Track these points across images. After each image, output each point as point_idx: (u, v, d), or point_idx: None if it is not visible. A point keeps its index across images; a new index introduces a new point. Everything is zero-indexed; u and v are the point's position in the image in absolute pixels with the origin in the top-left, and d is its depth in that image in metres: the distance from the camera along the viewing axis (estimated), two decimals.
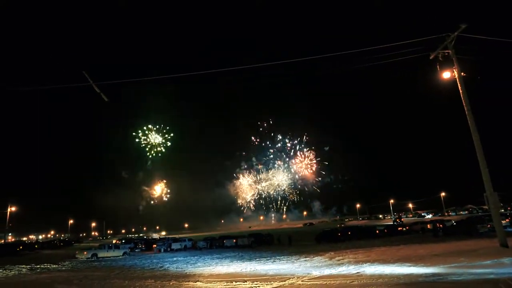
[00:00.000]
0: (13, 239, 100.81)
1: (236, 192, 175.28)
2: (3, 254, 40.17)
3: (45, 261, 30.10)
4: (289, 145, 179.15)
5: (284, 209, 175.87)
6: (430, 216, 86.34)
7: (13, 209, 61.19)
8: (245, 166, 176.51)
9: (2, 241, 67.13)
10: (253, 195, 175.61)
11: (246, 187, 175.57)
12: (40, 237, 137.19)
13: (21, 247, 48.94)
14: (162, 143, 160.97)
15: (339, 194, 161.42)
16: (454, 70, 17.93)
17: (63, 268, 24.20)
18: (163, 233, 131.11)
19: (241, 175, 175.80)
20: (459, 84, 17.91)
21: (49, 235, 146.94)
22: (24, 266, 25.78)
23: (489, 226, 29.66)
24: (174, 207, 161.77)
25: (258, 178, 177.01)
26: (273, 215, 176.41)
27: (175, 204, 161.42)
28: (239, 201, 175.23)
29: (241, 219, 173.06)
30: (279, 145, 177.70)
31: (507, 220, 36.85)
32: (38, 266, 25.78)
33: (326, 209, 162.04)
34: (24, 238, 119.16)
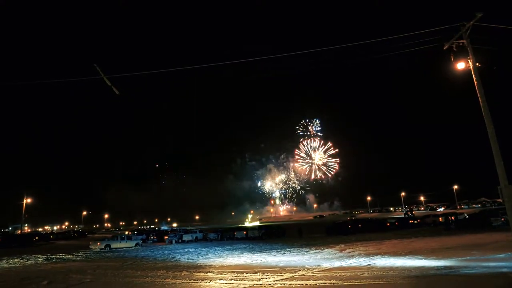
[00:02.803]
0: (29, 230, 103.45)
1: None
2: (20, 245, 41.38)
3: (60, 251, 30.86)
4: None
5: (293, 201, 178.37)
6: (442, 209, 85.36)
7: (29, 200, 62.71)
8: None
9: (19, 231, 69.06)
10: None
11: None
12: (55, 228, 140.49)
13: (37, 238, 50.27)
14: None
15: (329, 189, 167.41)
16: (469, 60, 17.48)
17: (78, 258, 24.78)
18: (175, 224, 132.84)
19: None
20: (474, 75, 17.48)
21: (63, 226, 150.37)
22: (40, 256, 26.49)
23: (502, 219, 29.17)
24: (186, 199, 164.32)
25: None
26: (282, 208, 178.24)
27: (188, 196, 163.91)
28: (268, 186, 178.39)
29: (252, 212, 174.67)
30: None
31: None
32: (54, 256, 26.46)
33: (319, 203, 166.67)
34: (40, 229, 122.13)
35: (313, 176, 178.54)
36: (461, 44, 17.56)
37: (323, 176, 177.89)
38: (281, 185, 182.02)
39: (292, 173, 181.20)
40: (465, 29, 17.05)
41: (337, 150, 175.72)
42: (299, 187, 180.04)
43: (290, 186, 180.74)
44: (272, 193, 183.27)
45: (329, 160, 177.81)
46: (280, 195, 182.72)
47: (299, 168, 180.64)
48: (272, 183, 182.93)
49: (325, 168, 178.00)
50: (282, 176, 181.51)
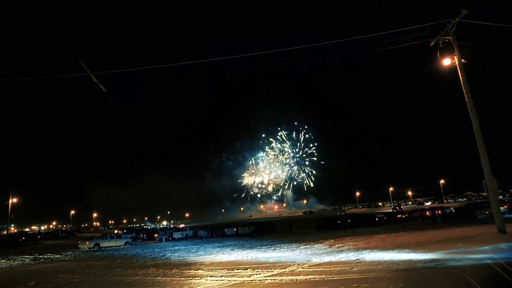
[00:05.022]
0: (15, 230, 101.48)
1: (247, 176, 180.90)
2: (6, 245, 40.56)
3: (48, 251, 30.40)
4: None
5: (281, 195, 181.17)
6: (429, 203, 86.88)
7: (15, 200, 61.47)
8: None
9: (5, 232, 67.69)
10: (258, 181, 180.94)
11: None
12: (42, 228, 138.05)
13: (23, 238, 49.41)
14: None
15: (306, 187, 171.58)
16: (455, 56, 17.78)
17: (66, 258, 24.45)
18: (164, 222, 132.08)
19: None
20: (459, 71, 17.78)
21: (51, 226, 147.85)
22: (27, 256, 26.05)
23: (487, 212, 29.86)
24: (173, 198, 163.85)
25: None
26: (273, 204, 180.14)
27: (174, 195, 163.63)
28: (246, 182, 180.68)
29: (242, 208, 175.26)
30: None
31: (505, 206, 37.13)
32: (41, 256, 26.05)
33: (296, 200, 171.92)
34: (27, 229, 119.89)
35: (286, 174, 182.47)
36: (447, 40, 17.83)
37: (298, 174, 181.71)
38: (258, 183, 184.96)
39: (268, 172, 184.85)
40: (450, 25, 17.30)
41: (315, 146, 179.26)
42: (276, 185, 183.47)
43: (268, 183, 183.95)
44: (252, 191, 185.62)
45: (306, 157, 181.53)
46: (259, 192, 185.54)
47: (275, 166, 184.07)
48: (250, 181, 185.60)
49: (301, 165, 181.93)
50: (260, 175, 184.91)
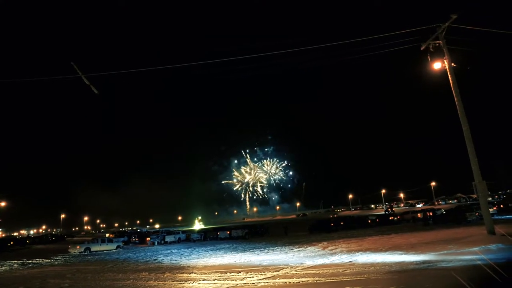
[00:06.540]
0: (3, 235, 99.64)
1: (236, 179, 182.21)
2: None
3: (37, 256, 29.85)
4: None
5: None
6: (421, 205, 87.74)
7: (3, 204, 60.42)
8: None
9: None
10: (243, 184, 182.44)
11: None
12: (32, 232, 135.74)
13: (12, 243, 48.50)
14: None
15: (292, 190, 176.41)
16: (445, 60, 18.04)
17: (56, 263, 24.06)
18: (157, 226, 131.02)
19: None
20: (449, 75, 18.05)
21: (40, 230, 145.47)
22: (15, 261, 25.55)
23: (477, 214, 30.24)
24: (168, 200, 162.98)
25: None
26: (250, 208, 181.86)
27: (169, 197, 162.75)
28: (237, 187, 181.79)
29: (235, 211, 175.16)
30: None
31: (494, 208, 37.60)
32: (30, 261, 25.57)
33: (281, 202, 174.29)
34: (15, 234, 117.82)
35: (271, 178, 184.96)
36: (437, 44, 18.10)
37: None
38: (244, 185, 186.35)
39: (253, 176, 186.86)
40: (441, 30, 17.57)
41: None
42: (262, 187, 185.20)
43: (252, 186, 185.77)
44: (239, 194, 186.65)
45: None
46: (245, 196, 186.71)
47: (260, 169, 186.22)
48: (237, 184, 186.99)
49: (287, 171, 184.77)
50: (247, 176, 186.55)
